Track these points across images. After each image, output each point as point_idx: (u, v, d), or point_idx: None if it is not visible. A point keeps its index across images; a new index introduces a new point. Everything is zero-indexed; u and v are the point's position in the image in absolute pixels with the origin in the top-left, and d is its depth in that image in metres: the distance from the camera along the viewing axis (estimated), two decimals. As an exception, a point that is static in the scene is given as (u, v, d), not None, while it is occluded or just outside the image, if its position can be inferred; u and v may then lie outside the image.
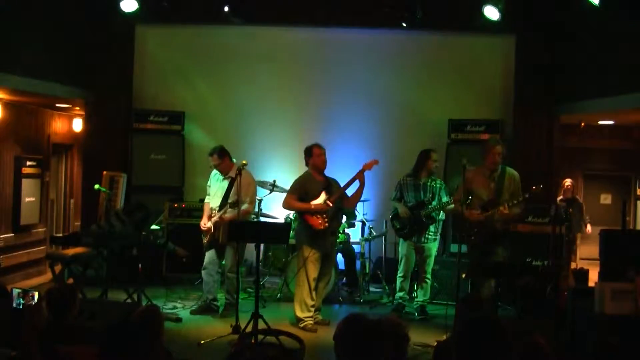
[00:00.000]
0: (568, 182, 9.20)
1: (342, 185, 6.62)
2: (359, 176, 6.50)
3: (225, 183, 6.80)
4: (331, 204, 6.42)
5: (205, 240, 6.84)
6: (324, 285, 6.72)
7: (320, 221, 6.42)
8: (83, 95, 8.73)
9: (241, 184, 6.36)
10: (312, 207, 6.43)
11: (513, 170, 6.39)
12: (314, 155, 6.58)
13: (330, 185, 6.57)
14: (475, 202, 6.24)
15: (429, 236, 7.00)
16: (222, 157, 6.80)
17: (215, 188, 6.89)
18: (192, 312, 6.84)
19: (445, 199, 6.91)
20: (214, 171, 6.97)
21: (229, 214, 6.60)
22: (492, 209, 6.14)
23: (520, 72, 8.85)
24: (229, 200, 6.63)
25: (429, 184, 7.01)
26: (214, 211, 6.79)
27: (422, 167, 7.03)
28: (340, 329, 2.64)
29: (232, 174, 6.68)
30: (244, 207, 6.54)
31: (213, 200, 6.88)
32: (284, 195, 6.78)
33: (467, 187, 6.24)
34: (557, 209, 6.83)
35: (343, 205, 6.74)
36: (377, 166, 6.61)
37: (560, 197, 9.08)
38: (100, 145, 8.86)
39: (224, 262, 6.88)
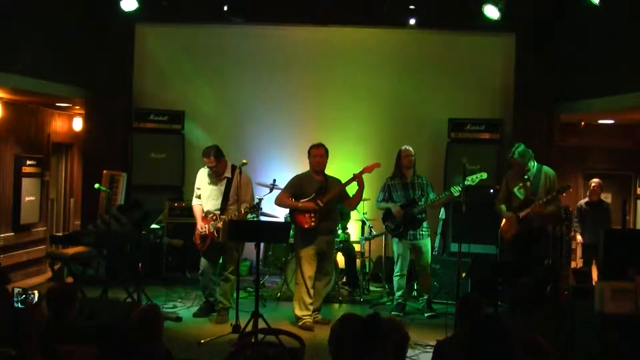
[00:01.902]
0: (595, 182, 8.53)
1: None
2: (357, 178, 6.46)
3: (221, 185, 6.58)
4: (321, 204, 6.41)
5: (200, 244, 6.64)
6: (323, 285, 6.72)
7: (307, 219, 6.43)
8: (83, 95, 8.73)
9: (241, 184, 6.35)
10: (300, 205, 6.46)
11: (549, 168, 6.53)
12: (310, 155, 6.59)
13: (327, 186, 6.54)
14: (514, 202, 6.47)
15: (423, 232, 7.07)
16: (219, 158, 6.53)
17: (209, 190, 6.65)
18: (195, 315, 6.78)
19: (432, 195, 7.02)
20: (202, 172, 6.71)
21: (231, 214, 6.47)
22: (527, 208, 6.29)
23: (520, 71, 8.85)
24: (229, 202, 6.54)
25: (416, 181, 7.09)
26: (210, 215, 6.59)
27: (399, 165, 7.12)
28: (335, 330, 2.63)
29: (228, 174, 6.60)
30: (243, 206, 6.42)
31: (208, 203, 6.64)
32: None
33: (506, 187, 6.57)
34: (557, 208, 6.85)
35: (344, 207, 6.73)
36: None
37: (586, 199, 8.60)
38: (100, 145, 8.86)
39: (220, 262, 6.79)
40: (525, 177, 6.44)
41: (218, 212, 6.55)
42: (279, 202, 6.67)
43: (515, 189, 6.47)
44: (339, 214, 7.03)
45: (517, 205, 6.43)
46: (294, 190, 6.57)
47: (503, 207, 6.56)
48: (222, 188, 6.59)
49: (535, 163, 6.49)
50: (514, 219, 6.40)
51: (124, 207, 7.60)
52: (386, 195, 7.15)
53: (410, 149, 7.15)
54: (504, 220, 6.50)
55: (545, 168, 6.50)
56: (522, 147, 6.45)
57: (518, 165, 6.44)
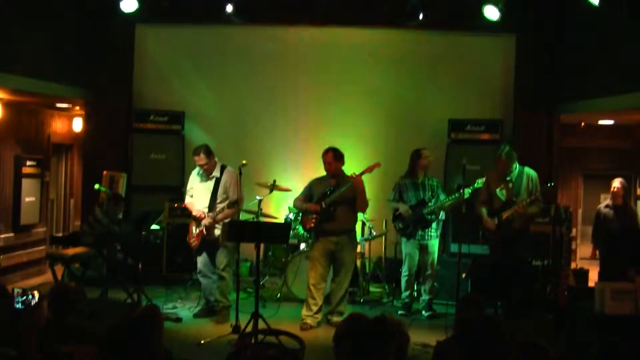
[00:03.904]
0: (617, 183, 7.89)
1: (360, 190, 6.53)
2: (355, 179, 6.45)
3: (210, 183, 6.68)
4: (324, 206, 6.48)
5: (193, 244, 6.70)
6: (337, 289, 6.66)
7: (308, 221, 6.61)
8: (83, 95, 8.73)
9: (239, 183, 6.40)
10: (305, 207, 6.65)
11: (531, 169, 6.53)
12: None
13: (338, 188, 6.55)
14: (495, 203, 6.46)
15: (432, 233, 7.09)
16: (209, 157, 6.62)
17: (200, 189, 6.75)
18: (195, 316, 6.80)
19: (442, 196, 7.04)
20: (194, 173, 6.83)
21: (221, 213, 6.55)
22: (509, 209, 6.28)
23: (520, 72, 8.84)
24: (218, 200, 6.60)
25: (427, 182, 7.12)
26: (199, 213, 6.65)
27: (415, 166, 7.14)
28: (340, 329, 2.63)
29: (217, 173, 6.67)
30: (227, 203, 6.53)
31: (199, 201, 6.72)
32: (284, 195, 6.87)
33: (487, 188, 6.54)
34: (557, 209, 6.85)
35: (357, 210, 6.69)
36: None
37: (607, 202, 8.10)
38: (100, 145, 8.86)
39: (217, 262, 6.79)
40: (508, 178, 6.43)
41: (206, 210, 6.63)
42: (293, 204, 6.99)
43: (497, 191, 6.47)
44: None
45: (499, 206, 6.42)
46: (306, 194, 6.76)
47: (484, 210, 6.54)
48: (211, 186, 6.69)
49: (517, 165, 6.49)
50: (491, 223, 6.40)
51: (107, 206, 7.59)
52: (397, 195, 7.18)
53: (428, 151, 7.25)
54: (487, 222, 6.48)
55: (527, 169, 6.52)
56: (508, 147, 6.49)
57: (503, 165, 6.43)
